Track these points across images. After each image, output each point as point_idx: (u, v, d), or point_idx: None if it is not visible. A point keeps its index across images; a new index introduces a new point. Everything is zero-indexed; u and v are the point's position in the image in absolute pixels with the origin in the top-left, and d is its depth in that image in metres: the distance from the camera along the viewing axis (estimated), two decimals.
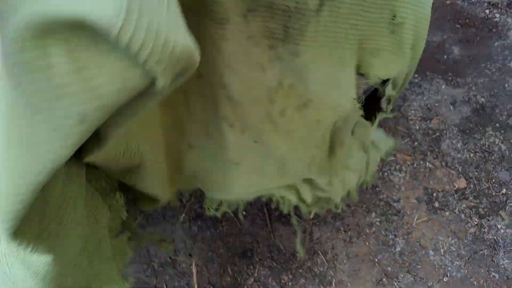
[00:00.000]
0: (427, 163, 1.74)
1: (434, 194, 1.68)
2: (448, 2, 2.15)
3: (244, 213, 1.69)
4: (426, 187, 1.70)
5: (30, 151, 0.43)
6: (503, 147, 1.76)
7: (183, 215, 1.70)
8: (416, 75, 1.95)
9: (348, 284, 1.54)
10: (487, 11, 2.11)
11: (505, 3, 2.12)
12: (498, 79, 1.93)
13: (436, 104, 1.88)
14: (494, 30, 2.06)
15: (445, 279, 1.53)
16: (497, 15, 2.09)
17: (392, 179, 1.72)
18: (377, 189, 1.71)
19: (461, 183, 1.70)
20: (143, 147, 0.66)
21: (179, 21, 0.43)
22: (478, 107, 1.87)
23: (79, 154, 0.55)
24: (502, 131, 1.80)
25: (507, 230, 1.60)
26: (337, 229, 1.64)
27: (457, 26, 2.08)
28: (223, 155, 0.84)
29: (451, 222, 1.62)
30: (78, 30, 0.38)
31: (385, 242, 1.60)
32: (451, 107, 1.87)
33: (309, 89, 0.80)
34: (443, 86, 1.92)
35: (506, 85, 1.91)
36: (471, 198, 1.67)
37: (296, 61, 0.76)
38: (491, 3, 2.12)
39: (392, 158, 1.76)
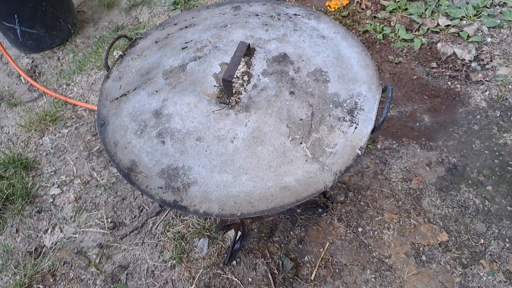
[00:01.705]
0: (411, 220, 1.93)
1: (421, 249, 1.85)
2: (414, 77, 2.46)
3: (250, 279, 1.83)
4: (413, 242, 1.87)
5: None
6: (477, 201, 1.97)
7: (193, 286, 1.83)
8: (393, 142, 2.20)
9: None
10: (449, 83, 2.42)
11: (463, 75, 2.44)
12: (465, 141, 2.18)
13: (414, 166, 2.10)
14: (457, 98, 2.35)
15: None
16: (458, 86, 2.40)
17: (382, 237, 1.90)
18: (369, 247, 1.87)
19: (444, 236, 1.88)
20: None
21: None
22: (451, 166, 2.10)
23: None
24: (475, 187, 2.02)
25: (489, 277, 1.75)
26: None
27: (425, 97, 2.37)
28: None
29: (438, 274, 1.78)
30: None
31: None
32: (428, 168, 2.10)
33: None
34: (418, 150, 2.16)
35: (473, 146, 2.16)
36: (454, 249, 1.84)
37: None
38: (451, 76, 2.44)
39: (381, 217, 1.95)
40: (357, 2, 2.85)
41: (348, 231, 1.93)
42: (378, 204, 2.00)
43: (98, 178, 2.21)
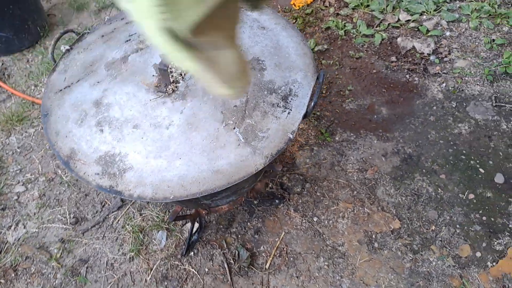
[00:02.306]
0: (365, 208, 1.97)
1: (373, 236, 1.89)
2: (374, 71, 2.52)
3: (206, 269, 1.86)
4: (366, 230, 1.92)
5: None
6: (430, 189, 2.02)
7: (149, 277, 1.86)
8: (351, 134, 2.25)
9: None
10: (407, 76, 2.48)
11: (422, 68, 2.50)
12: (421, 131, 2.24)
13: (370, 157, 2.15)
14: (414, 91, 2.41)
15: None
16: (416, 79, 2.46)
17: (336, 226, 1.94)
18: (324, 236, 1.92)
19: (396, 224, 1.92)
20: None
21: None
22: (406, 156, 2.15)
23: None
24: (428, 176, 2.07)
25: (438, 262, 1.80)
26: (291, 276, 1.82)
27: (383, 90, 2.43)
28: None
29: (389, 260, 1.82)
30: None
31: (333, 283, 1.78)
32: (383, 159, 2.15)
33: None
34: (375, 141, 2.21)
35: (429, 136, 2.21)
36: (405, 236, 1.88)
37: None
38: (410, 69, 2.50)
39: (336, 207, 1.99)
40: None
41: (304, 221, 1.97)
42: (334, 194, 2.04)
43: (62, 176, 2.24)
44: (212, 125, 1.27)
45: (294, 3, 2.89)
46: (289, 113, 1.30)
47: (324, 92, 2.45)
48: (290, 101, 1.32)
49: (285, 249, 1.89)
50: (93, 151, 1.27)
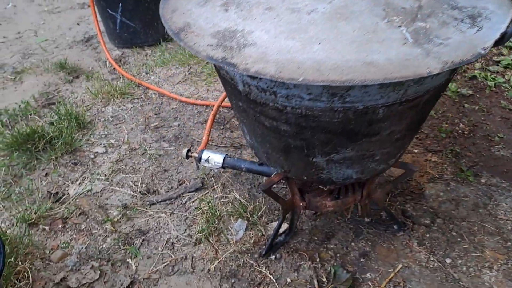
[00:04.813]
0: None
1: None
2: None
3: (288, 280, 1.37)
4: None
5: None
6: None
7: (214, 268, 1.42)
8: (502, 181, 1.73)
9: None
10: None
11: None
12: None
13: None
14: None
15: None
16: None
17: (480, 276, 1.36)
18: (460, 283, 1.34)
19: None
20: None
21: None
22: None
23: None
24: None
25: None
26: None
27: None
28: None
29: None
30: None
31: None
32: None
33: None
34: None
35: None
36: None
37: None
38: None
39: (480, 254, 1.43)
40: None
41: (432, 259, 1.42)
42: (477, 239, 1.49)
43: (147, 148, 1.99)
44: (369, 19, 0.95)
45: None
46: (478, 30, 0.93)
47: (466, 132, 2.01)
48: (479, 22, 0.97)
49: (401, 284, 1.34)
50: (211, 26, 1.01)
